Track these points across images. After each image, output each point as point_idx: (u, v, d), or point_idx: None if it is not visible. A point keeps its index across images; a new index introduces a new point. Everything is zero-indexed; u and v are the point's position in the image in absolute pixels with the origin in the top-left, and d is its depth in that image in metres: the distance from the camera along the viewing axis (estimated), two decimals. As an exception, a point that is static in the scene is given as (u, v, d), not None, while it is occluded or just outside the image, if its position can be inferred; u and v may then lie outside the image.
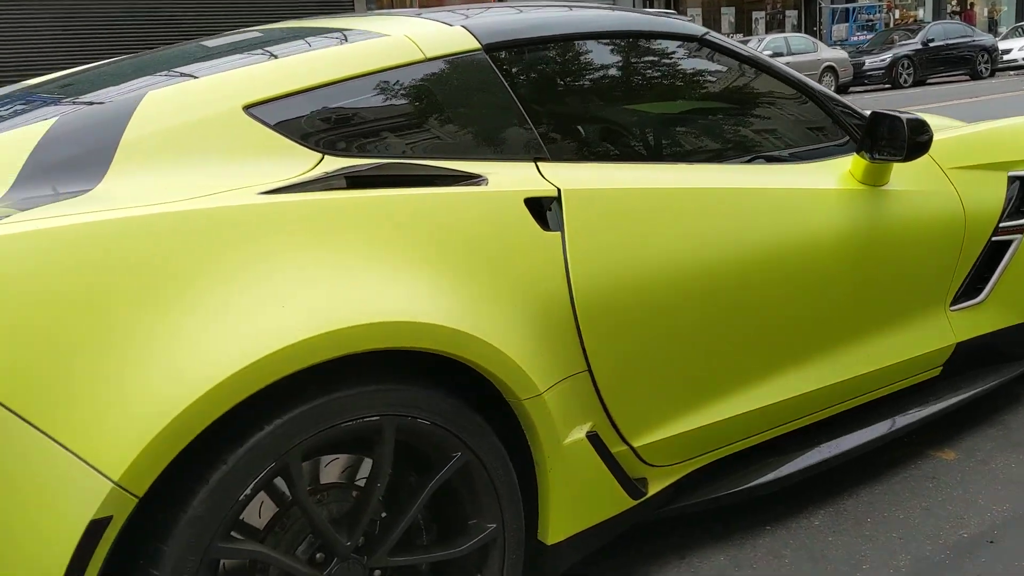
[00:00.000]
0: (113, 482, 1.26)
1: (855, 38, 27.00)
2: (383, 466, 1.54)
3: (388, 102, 1.83)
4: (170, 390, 1.31)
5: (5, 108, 1.94)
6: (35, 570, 1.25)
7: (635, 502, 1.96)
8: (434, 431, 1.59)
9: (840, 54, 20.22)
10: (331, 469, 1.65)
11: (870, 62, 20.18)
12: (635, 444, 1.94)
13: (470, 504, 1.68)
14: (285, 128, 1.69)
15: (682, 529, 2.32)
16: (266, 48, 1.96)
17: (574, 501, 1.81)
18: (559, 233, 1.78)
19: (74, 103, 1.73)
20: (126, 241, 1.35)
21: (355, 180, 1.65)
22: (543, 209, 1.80)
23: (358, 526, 1.55)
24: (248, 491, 1.40)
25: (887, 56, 20.12)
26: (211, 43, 2.22)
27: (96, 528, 1.26)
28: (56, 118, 1.61)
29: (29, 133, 1.57)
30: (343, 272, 1.51)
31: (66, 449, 1.26)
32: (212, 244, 1.41)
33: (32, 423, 1.24)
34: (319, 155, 1.69)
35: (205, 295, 1.38)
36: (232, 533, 1.44)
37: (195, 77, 1.76)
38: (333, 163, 1.69)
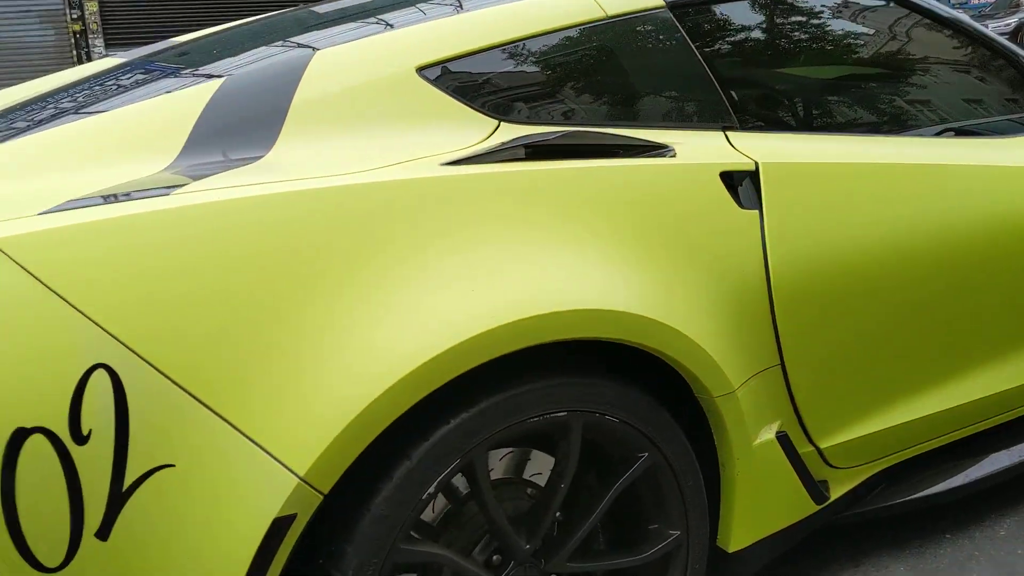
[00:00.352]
0: (299, 478, 1.16)
1: (975, 1, 25.52)
2: (569, 465, 1.41)
3: (565, 64, 1.68)
4: (359, 380, 1.20)
5: (159, 67, 1.86)
6: (216, 568, 1.16)
7: (818, 507, 1.79)
8: (622, 429, 1.45)
9: (962, 17, 19.10)
10: (500, 464, 1.53)
11: (993, 27, 19.00)
12: (822, 445, 1.77)
13: (653, 508, 1.54)
14: (459, 92, 1.56)
15: (855, 535, 2.14)
16: (430, 3, 1.82)
17: (759, 506, 1.65)
18: (756, 211, 1.60)
19: (236, 62, 1.63)
20: (310, 216, 1.24)
21: (535, 150, 1.50)
22: (734, 184, 1.62)
23: (539, 528, 1.42)
24: (432, 489, 1.28)
25: (1012, 21, 18.89)
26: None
27: (280, 526, 1.16)
28: (223, 79, 1.51)
29: (196, 95, 1.47)
30: (532, 253, 1.37)
31: (251, 441, 1.16)
32: (400, 220, 1.29)
33: (217, 412, 1.15)
34: (495, 122, 1.55)
35: (393, 276, 1.26)
36: (411, 533, 1.33)
37: (360, 35, 1.64)
38: (509, 131, 1.55)
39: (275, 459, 1.16)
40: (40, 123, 1.62)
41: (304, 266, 1.22)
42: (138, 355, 1.11)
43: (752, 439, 1.59)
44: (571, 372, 1.41)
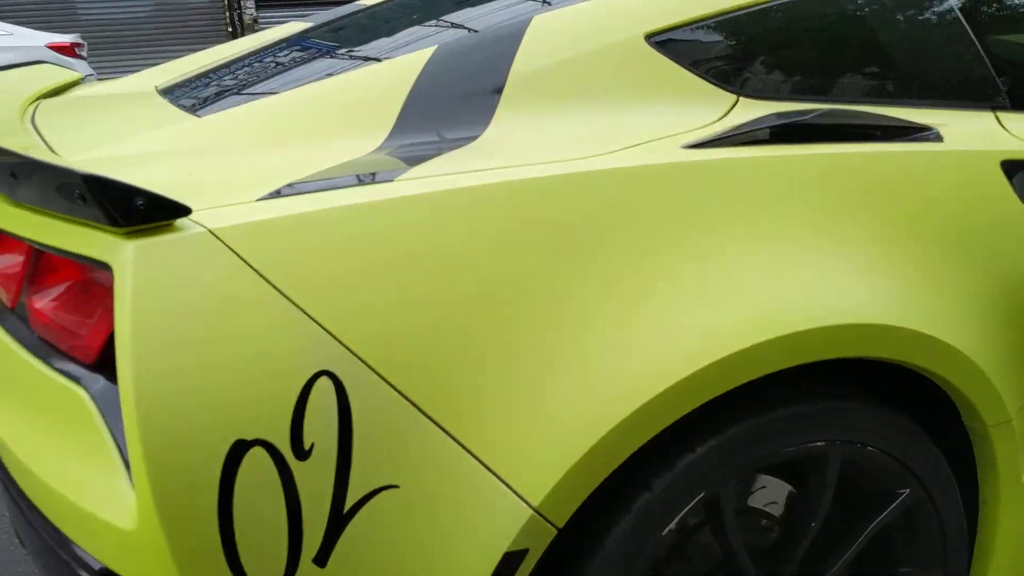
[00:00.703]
0: (533, 509, 1.02)
1: None
2: (824, 501, 1.22)
3: (809, 32, 1.46)
4: (601, 399, 1.04)
5: (358, 26, 1.74)
6: (439, 604, 1.04)
7: (1074, 549, 1.55)
8: (882, 461, 1.25)
9: None
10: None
11: None
12: (1086, 479, 1.52)
13: (907, 550, 1.34)
14: (693, 62, 1.36)
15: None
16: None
17: (1016, 548, 1.43)
18: (1040, 209, 1.36)
19: (446, 26, 1.49)
20: (541, 208, 1.08)
21: (783, 130, 1.30)
22: (1009, 174, 1.38)
23: (783, 568, 1.24)
24: (674, 525, 1.12)
25: None
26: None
27: (510, 562, 1.03)
28: (434, 48, 1.36)
29: (407, 66, 1.33)
30: (792, 255, 1.17)
31: (481, 463, 1.02)
32: (647, 213, 1.12)
33: (445, 428, 1.01)
34: (733, 97, 1.36)
35: (637, 280, 1.09)
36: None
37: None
38: (749, 107, 1.35)
39: (507, 486, 1.02)
40: (235, 93, 1.53)
41: (539, 267, 1.06)
42: (364, 362, 0.99)
43: (1021, 473, 1.37)
44: (828, 396, 1.22)
